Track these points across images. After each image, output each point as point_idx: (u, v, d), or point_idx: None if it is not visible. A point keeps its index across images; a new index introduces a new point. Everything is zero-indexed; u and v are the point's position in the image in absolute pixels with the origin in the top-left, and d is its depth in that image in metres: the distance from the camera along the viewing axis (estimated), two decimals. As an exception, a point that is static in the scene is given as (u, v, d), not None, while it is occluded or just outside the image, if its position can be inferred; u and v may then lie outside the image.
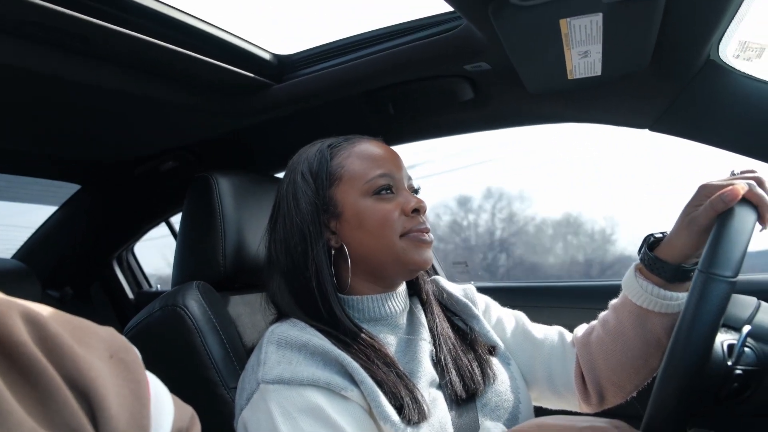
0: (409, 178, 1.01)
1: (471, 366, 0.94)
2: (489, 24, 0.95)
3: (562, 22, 0.92)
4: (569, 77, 1.11)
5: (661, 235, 0.92)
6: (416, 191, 1.02)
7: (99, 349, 0.52)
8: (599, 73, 1.09)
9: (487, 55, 1.14)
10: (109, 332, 0.56)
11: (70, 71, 1.10)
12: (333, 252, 0.97)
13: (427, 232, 0.95)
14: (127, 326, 1.13)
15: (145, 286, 2.41)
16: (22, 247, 2.14)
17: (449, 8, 0.98)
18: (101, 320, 0.57)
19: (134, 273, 2.38)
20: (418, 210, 0.95)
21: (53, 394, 0.46)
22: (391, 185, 0.96)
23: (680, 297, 0.88)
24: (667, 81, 1.15)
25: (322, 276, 0.92)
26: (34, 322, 0.49)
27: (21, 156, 1.64)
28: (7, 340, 0.46)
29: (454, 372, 0.92)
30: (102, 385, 0.49)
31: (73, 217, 2.04)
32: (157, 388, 0.55)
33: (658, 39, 1.00)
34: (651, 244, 0.92)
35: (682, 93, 1.16)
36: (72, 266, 2.17)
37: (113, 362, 0.52)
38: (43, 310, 0.52)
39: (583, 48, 1.00)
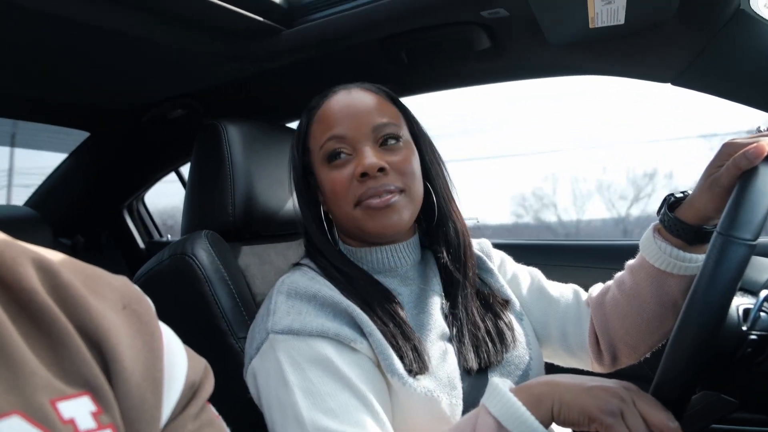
0: (383, 128, 0.92)
1: (487, 338, 0.92)
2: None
3: None
4: (591, 26, 1.06)
5: (682, 195, 0.89)
6: (394, 140, 0.92)
7: (112, 299, 0.52)
8: (623, 21, 1.04)
9: (506, 0, 1.09)
10: (122, 282, 0.55)
11: (76, 12, 1.07)
12: (324, 215, 0.99)
13: (380, 195, 0.88)
14: (136, 274, 1.13)
15: (156, 236, 2.42)
16: (34, 194, 2.14)
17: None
18: (112, 269, 0.56)
19: (145, 222, 2.39)
20: (367, 173, 0.88)
21: (66, 343, 0.46)
22: (341, 149, 0.90)
23: (699, 259, 0.86)
24: (692, 32, 1.10)
25: (315, 237, 0.96)
26: (46, 270, 0.48)
27: (29, 101, 1.62)
28: (18, 286, 0.46)
29: (469, 344, 0.90)
30: (115, 336, 0.48)
31: (83, 164, 2.03)
32: (170, 340, 0.55)
33: None
34: (671, 204, 0.90)
35: (708, 45, 1.11)
36: (83, 214, 2.18)
37: (126, 313, 0.52)
38: (56, 257, 0.51)
39: (608, -6, 0.95)
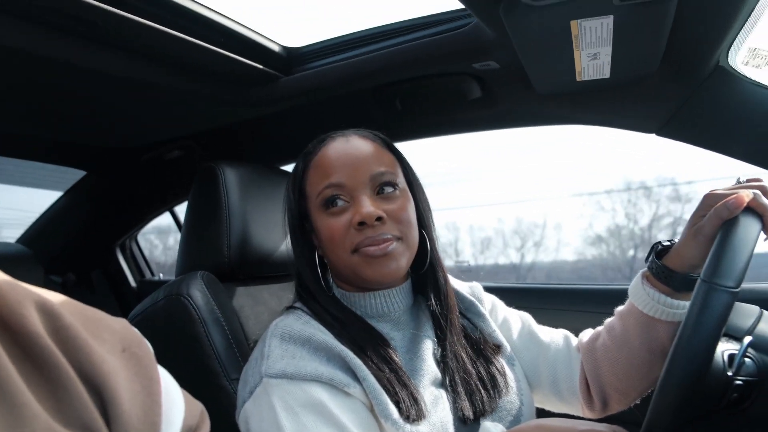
0: (380, 176, 0.93)
1: (480, 385, 0.91)
2: (499, 23, 0.95)
3: (573, 24, 0.92)
4: (578, 79, 1.11)
5: (669, 243, 0.92)
6: (391, 188, 0.93)
7: (112, 342, 0.52)
8: (608, 75, 1.09)
9: (497, 54, 1.14)
10: (122, 325, 0.56)
11: (78, 56, 1.10)
12: (319, 260, 0.99)
13: (379, 245, 0.89)
14: (131, 314, 1.14)
15: (148, 275, 2.42)
16: (27, 231, 2.15)
17: (459, 5, 0.98)
18: (103, 307, 0.56)
19: (137, 261, 2.39)
20: (364, 223, 0.88)
21: (67, 387, 0.46)
22: (339, 195, 0.91)
23: (686, 306, 0.88)
24: (675, 85, 1.15)
25: (309, 281, 0.96)
26: (48, 313, 0.49)
27: (27, 140, 1.64)
28: (21, 330, 0.46)
29: (463, 392, 0.89)
30: (114, 380, 0.49)
31: (78, 202, 2.05)
32: (168, 384, 0.55)
33: (668, 43, 1.00)
34: (659, 252, 0.92)
35: (690, 98, 1.16)
36: (75, 252, 2.18)
37: (126, 356, 0.52)
38: (57, 298, 0.52)
39: (593, 50, 1.00)
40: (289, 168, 1.43)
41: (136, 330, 0.56)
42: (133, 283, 2.36)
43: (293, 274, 1.00)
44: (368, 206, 0.89)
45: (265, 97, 1.36)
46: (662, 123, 1.26)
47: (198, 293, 1.07)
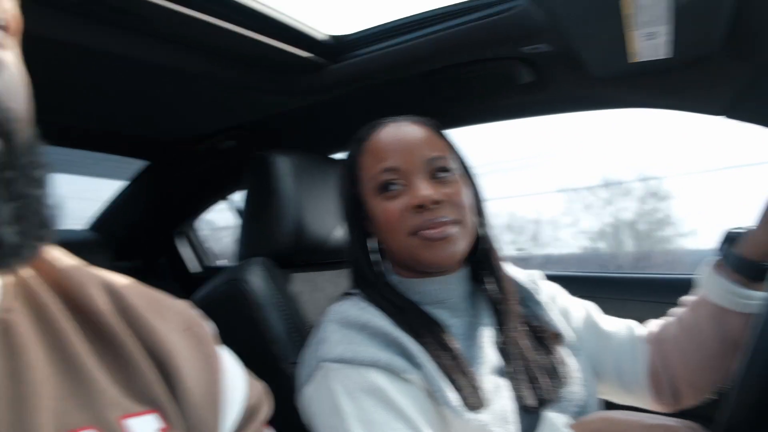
0: (435, 161, 0.92)
1: (542, 373, 0.90)
2: (550, 4, 0.93)
3: (626, 1, 0.89)
4: (633, 60, 1.07)
5: (742, 231, 0.88)
6: (445, 173, 0.93)
7: (174, 321, 0.55)
8: (667, 56, 1.05)
9: (547, 36, 1.11)
10: (183, 306, 0.59)
11: (134, 51, 1.15)
12: (376, 246, 0.99)
13: (437, 228, 0.88)
14: (193, 297, 1.19)
15: (208, 261, 2.50)
16: (96, 218, 2.26)
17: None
18: (168, 292, 0.59)
19: (199, 247, 2.47)
20: (423, 206, 0.88)
21: (134, 363, 0.48)
22: (394, 179, 0.91)
23: (760, 296, 0.83)
24: (745, 63, 1.09)
25: (364, 268, 0.97)
26: (114, 293, 0.52)
27: (93, 133, 1.72)
28: (88, 308, 0.49)
29: (524, 380, 0.88)
30: (178, 357, 0.51)
31: (142, 191, 2.13)
32: (228, 363, 0.57)
33: (734, 17, 0.94)
34: (732, 239, 0.89)
35: (762, 76, 1.10)
36: (141, 239, 2.28)
37: (188, 335, 0.55)
38: (122, 280, 0.55)
39: (649, 29, 0.96)
40: (339, 156, 1.45)
41: (196, 311, 0.59)
42: (195, 269, 2.44)
43: (348, 261, 1.01)
44: (425, 189, 0.89)
45: (314, 85, 1.37)
46: (732, 104, 1.19)
47: (257, 279, 1.11)
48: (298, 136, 1.75)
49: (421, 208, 0.88)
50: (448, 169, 0.93)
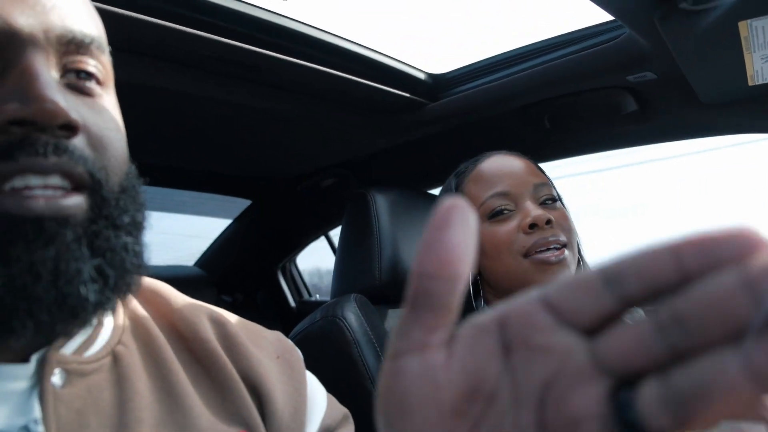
0: (541, 188, 0.94)
1: None
2: (655, 32, 0.90)
3: (742, 25, 0.84)
4: (750, 83, 1.00)
5: None
6: (551, 200, 0.94)
7: (268, 349, 0.58)
8: (788, 78, 0.97)
9: (653, 64, 1.06)
10: (276, 335, 0.62)
11: (245, 97, 1.21)
12: (473, 278, 0.96)
13: (551, 248, 0.88)
14: (292, 332, 1.22)
15: (305, 295, 2.56)
16: (202, 255, 2.39)
17: (609, 17, 0.94)
18: (266, 324, 0.63)
19: (296, 282, 2.54)
20: (536, 224, 0.88)
21: (231, 387, 0.52)
22: (505, 206, 0.92)
23: None
24: None
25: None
26: (218, 322, 0.56)
27: (200, 174, 1.84)
28: (195, 336, 0.53)
29: None
30: (270, 381, 0.54)
31: (245, 229, 2.24)
32: (314, 387, 0.60)
33: None
34: None
35: None
36: (242, 274, 2.38)
37: (280, 362, 0.58)
38: (225, 312, 0.59)
39: (766, 51, 0.90)
40: (436, 192, 1.45)
41: (288, 340, 0.62)
42: (292, 303, 2.51)
43: None
44: (537, 209, 0.90)
45: (412, 123, 1.39)
46: None
47: (352, 315, 1.12)
48: (396, 173, 1.78)
49: (534, 227, 0.89)
50: (554, 198, 0.95)
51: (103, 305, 0.42)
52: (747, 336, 0.18)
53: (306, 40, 1.09)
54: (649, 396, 0.20)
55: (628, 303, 0.21)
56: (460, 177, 1.00)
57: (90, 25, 0.45)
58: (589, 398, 0.21)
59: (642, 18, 0.88)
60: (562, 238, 0.89)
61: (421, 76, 1.32)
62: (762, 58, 0.92)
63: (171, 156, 1.62)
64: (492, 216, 0.92)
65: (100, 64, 0.46)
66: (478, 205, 0.94)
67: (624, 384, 0.21)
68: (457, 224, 0.24)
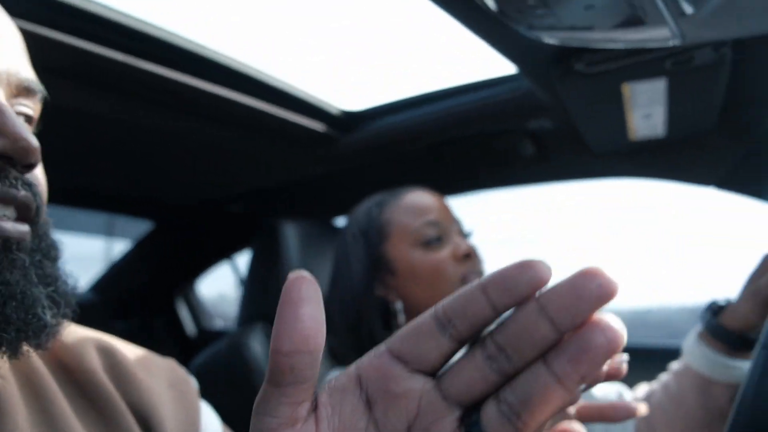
0: (459, 223, 1.01)
1: None
2: (553, 87, 0.98)
3: (625, 87, 0.94)
4: (631, 138, 1.12)
5: (725, 303, 0.90)
6: (467, 235, 1.01)
7: (160, 377, 0.57)
8: (663, 134, 1.09)
9: (550, 114, 1.16)
10: (169, 364, 0.61)
11: (146, 118, 1.18)
12: (391, 306, 0.97)
13: (480, 276, 0.94)
14: (194, 361, 1.19)
15: (206, 324, 2.49)
16: (97, 279, 2.26)
17: (513, 69, 1.01)
18: (163, 352, 0.62)
19: (196, 309, 2.46)
20: (469, 254, 0.95)
21: (117, 420, 0.50)
22: (440, 235, 0.96)
23: (744, 366, 0.85)
24: (735, 140, 1.14)
25: (375, 337, 0.94)
26: (105, 351, 0.54)
27: (100, 194, 1.76)
28: (80, 368, 0.52)
29: None
30: (161, 412, 0.53)
31: (145, 252, 2.15)
32: (208, 417, 0.60)
33: (725, 102, 0.99)
34: (715, 310, 0.91)
35: (752, 152, 1.14)
36: (139, 299, 2.28)
37: (173, 391, 0.57)
38: (113, 340, 0.58)
39: (646, 110, 1.01)
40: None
41: (181, 368, 0.62)
42: (193, 330, 2.43)
43: (347, 331, 0.97)
44: (465, 241, 0.96)
45: (324, 156, 1.41)
46: (723, 177, 1.24)
47: (258, 345, 1.11)
48: (307, 203, 1.79)
49: (468, 257, 0.94)
50: (467, 231, 1.01)
51: (56, 331, 0.44)
52: (550, 352, 0.23)
53: (216, 66, 1.08)
54: (490, 415, 0.24)
55: (461, 341, 0.25)
56: (384, 207, 1.01)
57: (31, 71, 0.48)
58: (446, 428, 0.25)
59: (542, 74, 0.96)
60: (482, 269, 0.96)
61: (335, 111, 1.35)
62: (642, 116, 1.03)
63: (68, 174, 1.54)
64: (426, 243, 0.95)
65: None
66: (410, 233, 0.96)
67: (470, 409, 0.25)
68: (309, 298, 0.26)
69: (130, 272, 2.20)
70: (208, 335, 2.37)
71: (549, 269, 0.23)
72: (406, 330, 0.26)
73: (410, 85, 1.31)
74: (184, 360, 1.22)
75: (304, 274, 0.26)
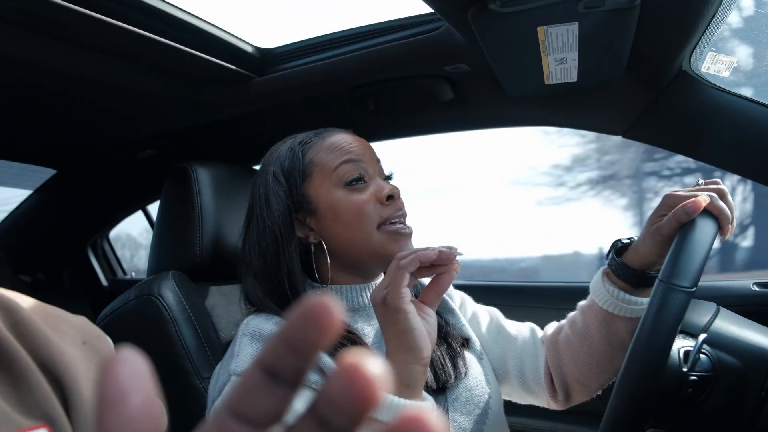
0: (381, 164, 1.00)
1: (443, 359, 0.93)
2: (469, 28, 0.97)
3: (540, 30, 0.94)
4: (546, 82, 1.13)
5: (628, 241, 0.95)
6: (389, 177, 1.00)
7: (72, 335, 0.54)
8: (575, 79, 1.11)
9: (467, 57, 1.15)
10: (81, 320, 0.58)
11: (47, 57, 1.08)
12: (313, 247, 0.96)
13: (402, 221, 0.94)
14: (101, 313, 1.14)
15: (120, 274, 2.40)
16: (-5, 230, 2.12)
17: (430, 10, 1.00)
18: (74, 307, 0.58)
19: (109, 260, 2.37)
20: (393, 196, 0.94)
21: (27, 378, 0.48)
22: (362, 175, 0.94)
23: (644, 302, 0.91)
24: (640, 89, 1.18)
25: (295, 278, 0.92)
26: (6, 308, 0.51)
27: (-4, 138, 1.62)
28: None
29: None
30: (74, 371, 0.51)
31: (48, 201, 2.02)
32: None
33: (633, 48, 1.02)
34: (618, 249, 0.95)
35: (655, 101, 1.20)
36: (45, 251, 2.15)
37: (86, 348, 0.54)
38: (16, 297, 0.54)
39: (560, 55, 1.02)
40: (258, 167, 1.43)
41: (94, 325, 0.59)
42: (104, 283, 2.33)
43: (264, 273, 0.94)
44: (389, 183, 0.95)
45: (238, 97, 1.36)
46: (628, 125, 1.29)
47: (169, 293, 1.08)
48: (221, 147, 1.72)
49: (390, 199, 0.93)
50: (389, 174, 1.00)
51: None
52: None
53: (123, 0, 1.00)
54: None
55: (292, 390, 0.24)
56: (306, 145, 0.98)
57: None
58: None
59: (457, 14, 0.95)
60: (406, 212, 0.96)
61: (249, 49, 1.29)
62: (556, 61, 1.04)
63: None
64: (349, 183, 0.93)
65: None
66: (332, 172, 0.94)
67: None
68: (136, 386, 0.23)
69: (31, 223, 2.06)
70: (122, 287, 2.29)
71: (334, 308, 0.23)
72: (240, 384, 0.25)
73: (328, 23, 1.27)
74: (97, 314, 1.17)
75: (132, 354, 0.23)
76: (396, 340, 0.76)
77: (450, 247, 0.78)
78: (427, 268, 0.78)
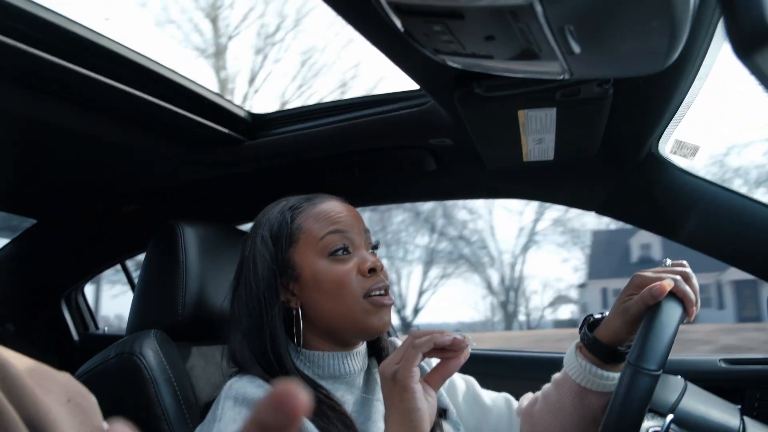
0: (368, 235, 1.01)
1: None
2: (454, 106, 1.03)
3: (520, 113, 1.01)
4: (525, 159, 1.20)
5: (600, 316, 0.99)
6: (375, 248, 1.02)
7: (57, 392, 0.53)
8: (552, 158, 1.18)
9: (451, 132, 1.21)
10: (65, 377, 0.58)
11: (37, 112, 1.11)
12: (294, 312, 0.97)
13: (387, 293, 0.96)
14: (81, 369, 1.12)
15: (92, 328, 2.35)
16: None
17: (418, 86, 1.05)
18: (42, 359, 0.58)
19: (82, 313, 2.32)
20: (375, 269, 0.95)
21: None
22: (346, 245, 0.96)
23: (616, 378, 0.93)
24: (612, 169, 1.26)
25: (277, 340, 0.93)
26: None
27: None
28: None
29: None
30: (60, 429, 0.50)
31: (25, 251, 2.00)
32: None
33: (606, 132, 1.09)
34: (591, 324, 0.99)
35: (625, 181, 1.27)
36: (17, 302, 2.11)
37: (71, 406, 0.53)
38: (5, 352, 0.54)
39: (539, 135, 1.09)
40: (247, 228, 1.46)
41: (79, 383, 0.59)
42: (75, 336, 2.28)
43: (251, 333, 0.95)
44: (372, 255, 0.98)
45: (227, 159, 1.39)
46: (601, 202, 1.36)
47: (151, 353, 1.07)
48: (207, 206, 1.74)
49: (373, 271, 0.95)
50: (375, 244, 1.03)
51: None
52: None
53: (119, 60, 1.03)
54: None
55: None
56: (296, 211, 1.00)
57: None
58: None
59: (445, 93, 1.01)
60: (389, 284, 0.98)
61: (241, 113, 1.34)
62: (534, 141, 1.11)
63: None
64: (332, 253, 0.95)
65: None
66: (317, 241, 0.95)
67: None
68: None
69: (7, 272, 2.03)
70: (93, 341, 2.24)
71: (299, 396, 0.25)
72: None
73: (319, 94, 1.32)
74: (65, 366, 1.14)
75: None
76: (400, 417, 0.78)
77: (464, 335, 0.81)
78: (437, 351, 0.81)
